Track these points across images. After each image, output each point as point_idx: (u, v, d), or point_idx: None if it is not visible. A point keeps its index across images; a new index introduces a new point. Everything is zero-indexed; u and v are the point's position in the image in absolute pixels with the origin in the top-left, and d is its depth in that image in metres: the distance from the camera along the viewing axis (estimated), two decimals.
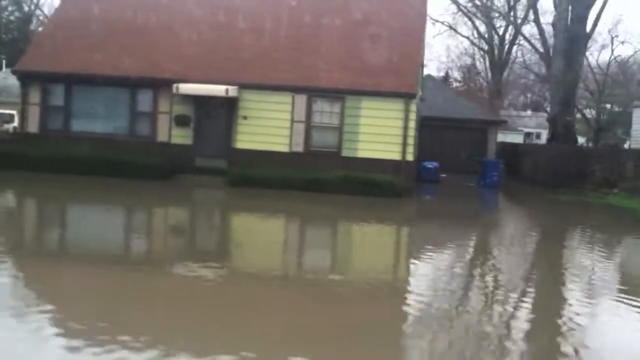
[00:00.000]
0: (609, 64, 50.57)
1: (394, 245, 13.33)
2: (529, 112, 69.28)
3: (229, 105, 20.31)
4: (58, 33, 21.59)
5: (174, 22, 21.57)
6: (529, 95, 74.50)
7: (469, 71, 64.16)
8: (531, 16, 40.09)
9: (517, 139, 52.44)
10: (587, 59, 43.60)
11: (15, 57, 29.47)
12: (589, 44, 37.59)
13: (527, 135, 62.10)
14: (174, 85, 19.51)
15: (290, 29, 21.17)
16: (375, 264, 10.67)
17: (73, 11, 22.26)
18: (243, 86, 19.82)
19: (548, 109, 44.07)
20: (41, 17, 53.73)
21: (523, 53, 53.92)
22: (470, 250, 12.87)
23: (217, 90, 19.44)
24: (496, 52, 50.99)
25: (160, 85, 20.44)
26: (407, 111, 19.33)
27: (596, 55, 77.82)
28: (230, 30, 21.31)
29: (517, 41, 49.29)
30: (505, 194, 24.41)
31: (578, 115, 43.49)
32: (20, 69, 21.11)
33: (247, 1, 22.12)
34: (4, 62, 44.94)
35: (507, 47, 50.72)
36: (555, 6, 31.06)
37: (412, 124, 19.44)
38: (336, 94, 19.68)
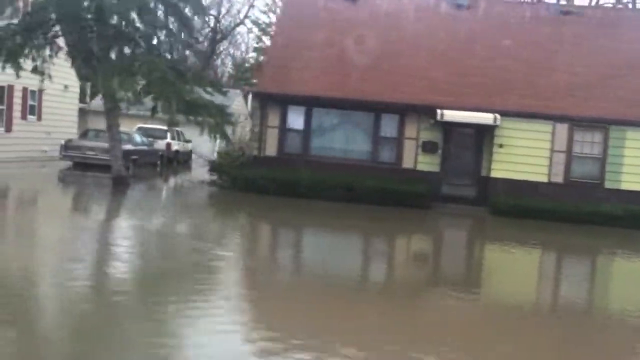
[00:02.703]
0: None
1: None
2: None
3: (480, 133, 19.85)
4: (289, 54, 21.06)
5: (417, 46, 21.10)
6: None
7: None
8: None
9: None
10: None
11: None
12: None
13: None
14: (439, 112, 19.02)
15: (544, 52, 20.72)
16: None
17: (301, 31, 21.74)
18: (500, 114, 19.32)
19: None
20: None
21: None
22: None
23: (485, 118, 18.97)
24: None
25: (407, 111, 19.99)
26: None
27: None
28: (478, 56, 20.83)
29: None
30: None
31: None
32: (261, 91, 20.55)
33: (492, 27, 21.67)
34: None
35: None
36: None
37: None
38: (599, 124, 19.25)
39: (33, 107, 24.99)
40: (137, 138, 25.91)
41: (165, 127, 32.21)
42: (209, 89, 18.34)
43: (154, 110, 19.11)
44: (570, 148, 19.39)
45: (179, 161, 32.15)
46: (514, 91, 19.87)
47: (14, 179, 20.49)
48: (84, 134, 25.28)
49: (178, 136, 32.14)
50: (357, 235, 15.01)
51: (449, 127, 19.86)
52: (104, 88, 16.16)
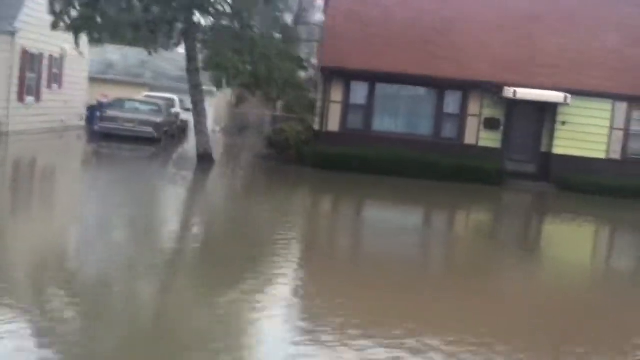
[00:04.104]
0: None
1: None
2: None
3: (542, 110, 20.25)
4: (353, 28, 20.66)
5: (479, 22, 21.11)
6: None
7: None
8: None
9: None
10: None
11: None
12: None
13: None
14: (512, 90, 19.19)
15: (605, 33, 21.14)
16: None
17: (359, 6, 21.32)
18: (562, 91, 19.70)
19: None
20: None
21: None
22: None
23: (555, 97, 19.33)
24: None
25: (471, 87, 20.11)
26: None
27: None
28: (542, 33, 21.03)
29: None
30: None
31: None
32: (326, 66, 20.12)
33: (558, 4, 21.89)
34: None
35: None
36: None
37: None
38: None
39: (56, 75, 23.58)
40: (165, 109, 24.95)
41: (173, 96, 31.18)
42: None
43: (219, 83, 18.39)
44: (628, 126, 20.10)
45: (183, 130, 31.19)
46: (574, 70, 20.27)
47: (82, 158, 19.91)
48: (115, 104, 23.99)
49: (181, 105, 31.10)
50: (453, 213, 16.17)
51: (512, 104, 20.13)
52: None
